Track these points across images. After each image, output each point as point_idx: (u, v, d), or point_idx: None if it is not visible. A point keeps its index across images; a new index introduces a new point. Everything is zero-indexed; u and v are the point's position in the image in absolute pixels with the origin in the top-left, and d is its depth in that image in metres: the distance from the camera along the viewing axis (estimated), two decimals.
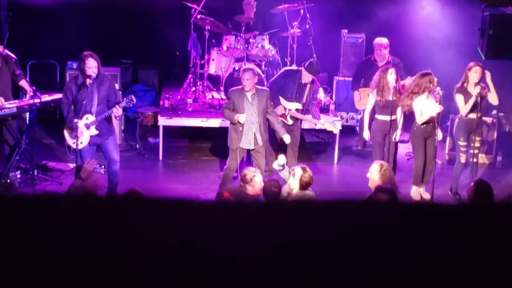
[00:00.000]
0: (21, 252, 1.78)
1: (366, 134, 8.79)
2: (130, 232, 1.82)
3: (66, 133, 8.04)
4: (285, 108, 8.79)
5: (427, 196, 8.53)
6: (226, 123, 8.61)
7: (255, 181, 6.64)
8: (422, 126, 8.41)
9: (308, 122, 9.27)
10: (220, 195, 6.85)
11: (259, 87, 8.31)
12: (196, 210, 1.93)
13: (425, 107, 8.29)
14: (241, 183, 6.71)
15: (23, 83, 9.11)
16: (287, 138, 8.32)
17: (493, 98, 8.46)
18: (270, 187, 6.52)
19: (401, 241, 1.85)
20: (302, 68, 8.86)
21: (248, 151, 8.36)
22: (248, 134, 8.15)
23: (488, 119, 9.81)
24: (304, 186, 6.76)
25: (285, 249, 1.81)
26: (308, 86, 8.84)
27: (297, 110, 8.82)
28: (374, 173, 6.69)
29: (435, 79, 8.28)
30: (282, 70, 9.38)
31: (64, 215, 1.87)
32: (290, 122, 8.83)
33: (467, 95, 8.36)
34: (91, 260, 1.77)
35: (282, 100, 8.81)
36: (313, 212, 1.94)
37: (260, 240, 1.81)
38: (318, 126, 9.15)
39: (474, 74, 8.31)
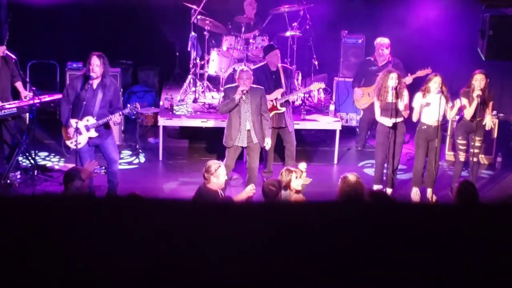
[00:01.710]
0: (21, 253, 1.78)
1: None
2: (130, 234, 1.83)
3: (64, 133, 8.03)
4: (271, 100, 8.85)
5: (434, 198, 8.55)
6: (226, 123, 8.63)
7: (219, 172, 6.65)
8: (424, 127, 8.44)
9: (298, 95, 9.34)
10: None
11: (253, 85, 8.35)
12: (195, 210, 1.93)
13: (426, 108, 8.34)
14: (205, 174, 6.67)
15: (18, 84, 9.11)
16: (268, 142, 8.34)
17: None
18: (268, 185, 6.51)
19: (397, 241, 1.85)
20: (265, 58, 9.09)
21: (243, 149, 8.39)
22: (242, 132, 8.19)
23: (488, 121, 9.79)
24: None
25: (284, 249, 1.81)
26: (281, 71, 8.94)
27: (282, 94, 8.90)
28: (339, 186, 6.69)
29: (436, 80, 8.30)
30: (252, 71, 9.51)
31: (65, 216, 1.87)
32: (282, 109, 8.88)
33: (470, 100, 8.44)
34: (89, 261, 1.78)
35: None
36: (312, 212, 1.94)
37: (259, 240, 1.81)
38: (306, 90, 9.67)
39: (476, 82, 8.38)
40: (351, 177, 6.47)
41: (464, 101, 8.51)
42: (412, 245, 1.84)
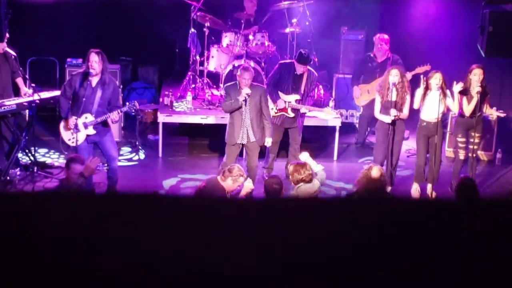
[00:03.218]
0: (21, 251, 1.78)
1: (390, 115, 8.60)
2: (131, 229, 1.82)
3: (61, 130, 8.01)
4: (285, 102, 8.84)
5: (434, 194, 8.56)
6: (226, 120, 8.63)
7: (239, 180, 6.77)
8: (423, 124, 8.44)
9: (307, 110, 9.18)
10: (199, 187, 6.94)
11: (254, 83, 8.33)
12: (196, 207, 1.93)
13: (426, 104, 8.36)
14: (226, 172, 6.76)
15: (19, 80, 9.11)
16: (268, 141, 8.36)
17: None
18: (271, 184, 6.50)
19: (398, 237, 1.85)
20: (294, 60, 8.91)
21: (243, 146, 8.39)
22: (242, 130, 8.20)
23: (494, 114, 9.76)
24: (306, 181, 6.74)
25: (287, 246, 1.81)
26: (305, 76, 8.88)
27: (296, 101, 8.87)
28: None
29: (436, 77, 8.31)
30: (277, 64, 9.40)
31: (66, 212, 1.87)
32: (292, 114, 8.88)
33: (469, 96, 8.43)
34: (90, 259, 1.78)
35: (280, 94, 8.85)
36: (313, 209, 1.94)
37: (262, 237, 1.81)
38: (318, 110, 9.39)
39: (474, 76, 8.37)
40: (375, 172, 6.50)
41: (463, 98, 8.51)
42: (413, 242, 1.84)
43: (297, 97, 8.85)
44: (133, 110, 8.12)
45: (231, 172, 6.74)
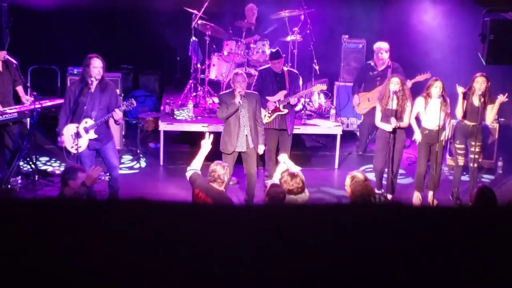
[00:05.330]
0: (23, 257, 1.78)
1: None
2: (132, 236, 1.82)
3: (64, 138, 7.99)
4: (274, 102, 8.89)
5: (435, 202, 8.55)
6: None
7: (228, 170, 6.72)
8: (425, 132, 8.45)
9: (296, 98, 9.21)
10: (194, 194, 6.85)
11: (248, 91, 8.36)
12: (196, 213, 1.93)
13: (427, 112, 8.37)
14: (220, 177, 6.57)
15: (20, 89, 9.12)
16: (261, 149, 8.38)
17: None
18: (277, 193, 6.40)
19: (398, 244, 1.84)
20: (269, 61, 9.16)
21: (240, 154, 8.39)
22: (241, 137, 8.21)
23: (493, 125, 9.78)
24: (294, 192, 6.62)
25: (285, 252, 1.81)
26: (286, 74, 9.02)
27: (285, 96, 8.96)
28: (346, 186, 6.58)
29: (437, 85, 8.32)
30: (257, 71, 9.52)
31: (66, 219, 1.87)
32: (285, 110, 8.95)
33: (469, 102, 8.46)
34: (91, 265, 1.77)
35: (268, 98, 8.91)
36: (314, 215, 1.94)
37: (259, 243, 1.81)
38: (308, 91, 9.71)
39: (476, 84, 8.42)
40: (360, 175, 6.46)
41: (463, 100, 8.54)
42: (422, 249, 1.84)
43: (284, 92, 8.95)
44: (131, 108, 8.11)
45: (220, 174, 6.55)
